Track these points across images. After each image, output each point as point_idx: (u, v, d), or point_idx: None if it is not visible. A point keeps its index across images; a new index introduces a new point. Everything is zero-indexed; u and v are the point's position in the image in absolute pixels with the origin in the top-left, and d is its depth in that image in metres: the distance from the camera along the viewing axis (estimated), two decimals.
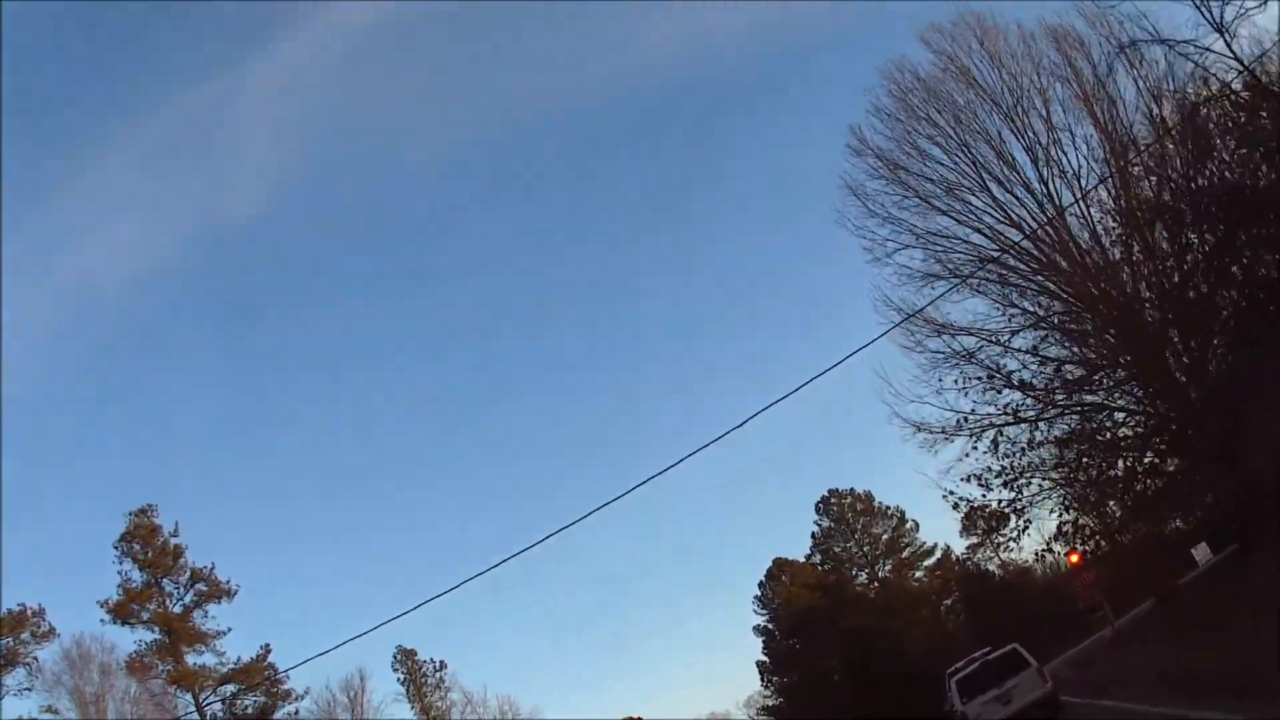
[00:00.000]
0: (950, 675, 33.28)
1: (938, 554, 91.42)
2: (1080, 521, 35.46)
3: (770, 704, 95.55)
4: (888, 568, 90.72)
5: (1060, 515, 35.93)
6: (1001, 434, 34.61)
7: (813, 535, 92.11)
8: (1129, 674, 27.91)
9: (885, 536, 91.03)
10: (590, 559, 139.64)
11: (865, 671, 77.66)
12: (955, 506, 35.67)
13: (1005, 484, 34.82)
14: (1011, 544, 37.39)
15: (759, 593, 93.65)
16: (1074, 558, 38.84)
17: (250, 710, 63.46)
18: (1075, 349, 34.83)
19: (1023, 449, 34.45)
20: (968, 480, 35.37)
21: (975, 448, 35.18)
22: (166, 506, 72.90)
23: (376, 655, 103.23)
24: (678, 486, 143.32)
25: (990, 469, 34.91)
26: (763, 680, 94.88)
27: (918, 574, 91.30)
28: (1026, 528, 35.64)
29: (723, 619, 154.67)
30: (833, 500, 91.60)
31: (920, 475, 37.62)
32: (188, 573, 63.58)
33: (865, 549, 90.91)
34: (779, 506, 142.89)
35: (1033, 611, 75.06)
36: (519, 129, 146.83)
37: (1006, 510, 35.07)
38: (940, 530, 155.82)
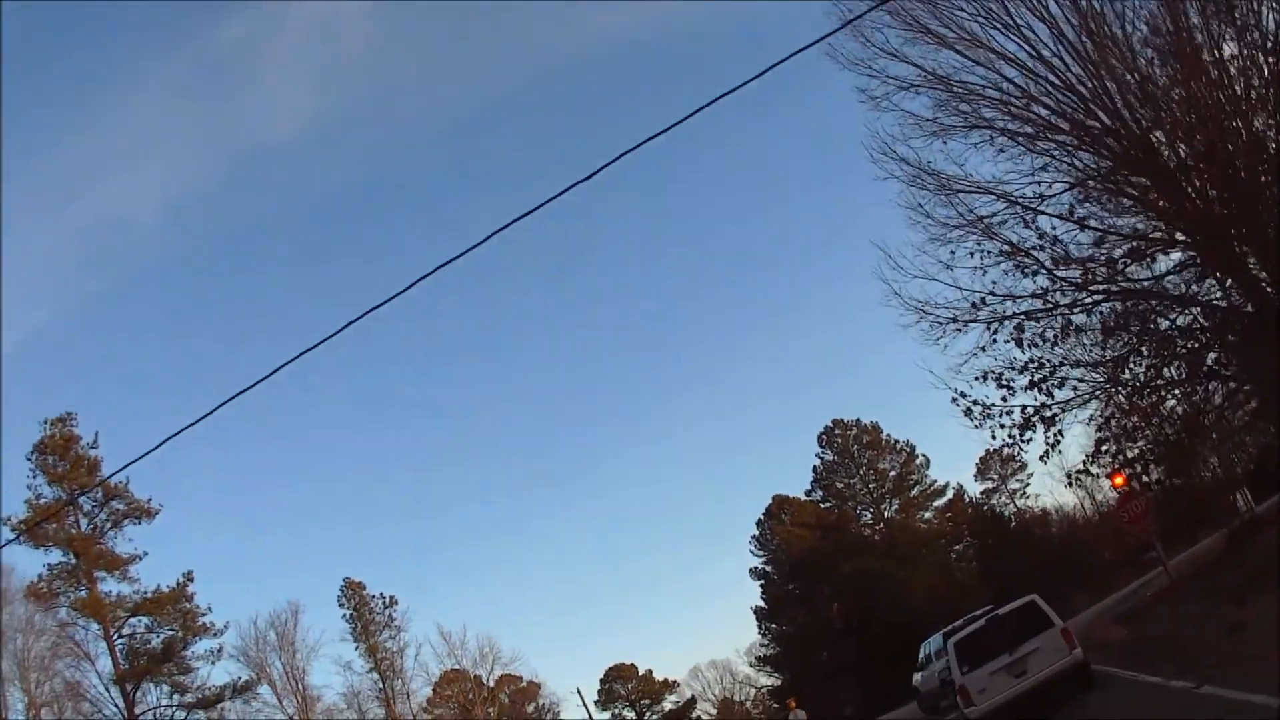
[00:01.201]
0: (947, 637, 28.51)
1: (949, 494, 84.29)
2: (1125, 424, 27.26)
3: (768, 654, 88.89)
4: (894, 507, 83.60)
5: (1100, 427, 27.71)
6: (1029, 320, 26.44)
7: (814, 470, 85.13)
8: (1185, 637, 20.53)
9: (893, 473, 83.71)
10: (587, 504, 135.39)
11: (868, 623, 71.54)
12: (968, 413, 27.36)
13: (1032, 384, 26.63)
14: (1043, 461, 28.85)
15: (757, 532, 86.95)
16: (1118, 480, 30.54)
17: (157, 646, 55.84)
18: (1124, 218, 26.59)
19: (1054, 340, 26.28)
20: (984, 380, 27.09)
21: (994, 339, 26.95)
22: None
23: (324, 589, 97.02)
24: (679, 426, 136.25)
25: (1014, 364, 26.71)
26: (760, 628, 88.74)
27: (927, 515, 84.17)
28: (1058, 441, 27.28)
29: (726, 565, 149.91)
30: (837, 432, 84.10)
31: (925, 372, 29.23)
32: (100, 490, 55.55)
33: (871, 486, 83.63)
34: (782, 443, 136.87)
35: (1055, 560, 68.99)
36: None
37: (1033, 419, 26.83)
38: (952, 469, 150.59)
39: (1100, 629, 30.38)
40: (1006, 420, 27.24)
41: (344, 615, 76.65)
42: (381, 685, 73.22)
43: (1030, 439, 27.34)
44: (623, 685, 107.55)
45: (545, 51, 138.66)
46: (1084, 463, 28.67)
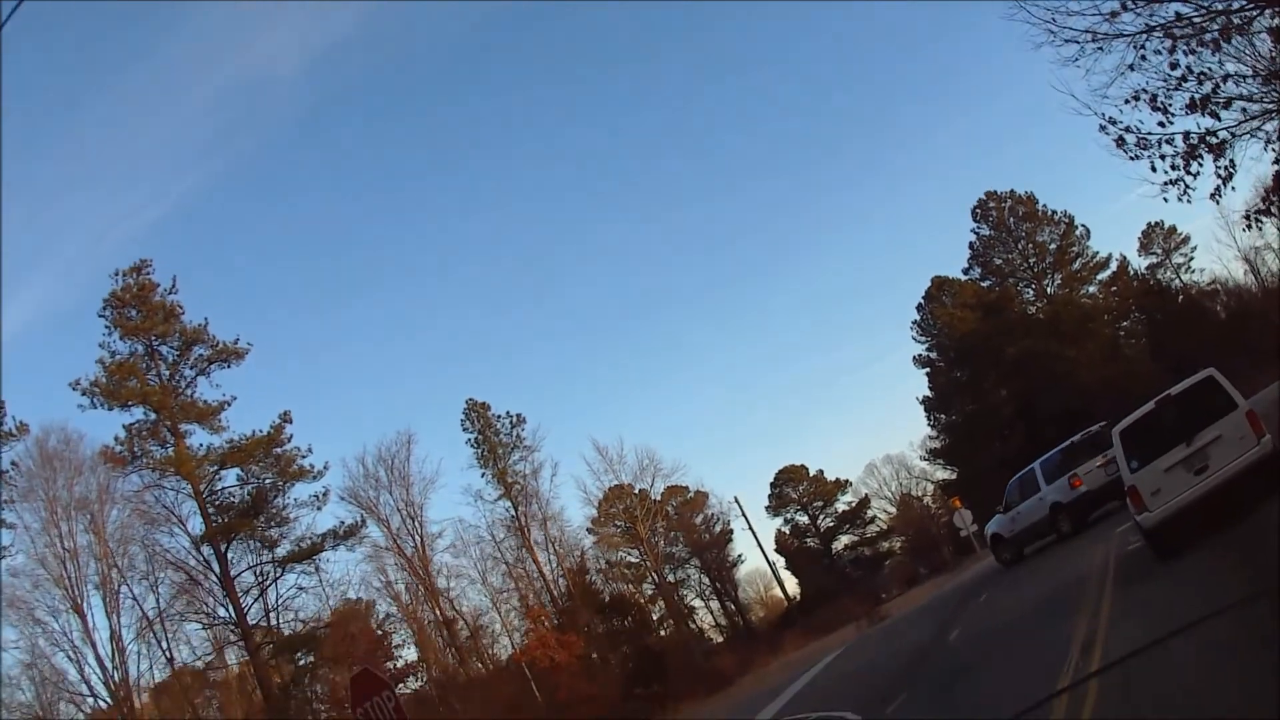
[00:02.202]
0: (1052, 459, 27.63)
1: (1113, 267, 78.31)
2: None
3: (938, 446, 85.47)
4: (1056, 283, 78.08)
5: None
6: (1180, 25, 21.56)
7: (970, 246, 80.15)
8: None
9: (1052, 246, 77.99)
10: (749, 314, 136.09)
11: (1036, 408, 68.47)
12: (1120, 142, 22.67)
13: (1193, 104, 21.86)
14: (1215, 200, 23.95)
15: (917, 317, 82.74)
16: None
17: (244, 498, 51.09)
18: None
19: (1213, 45, 21.36)
20: (1135, 101, 22.32)
21: (1143, 55, 22.13)
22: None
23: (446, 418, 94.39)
24: (840, 220, 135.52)
25: (1169, 80, 21.91)
26: (929, 419, 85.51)
27: (1090, 290, 78.60)
28: (1231, 175, 22.52)
29: (895, 357, 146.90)
30: (991, 204, 78.57)
31: (1064, 96, 24.36)
32: (178, 336, 50.64)
33: (1030, 261, 78.32)
34: (940, 224, 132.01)
35: (1229, 334, 64.56)
36: None
37: (1198, 146, 22.11)
38: (1114, 241, 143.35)
39: None
40: (1167, 149, 22.59)
41: (468, 440, 73.07)
42: (514, 511, 70.46)
43: (1199, 171, 22.69)
44: (794, 488, 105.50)
45: None
46: (1264, 199, 23.88)
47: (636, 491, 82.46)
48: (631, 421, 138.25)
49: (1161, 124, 22.48)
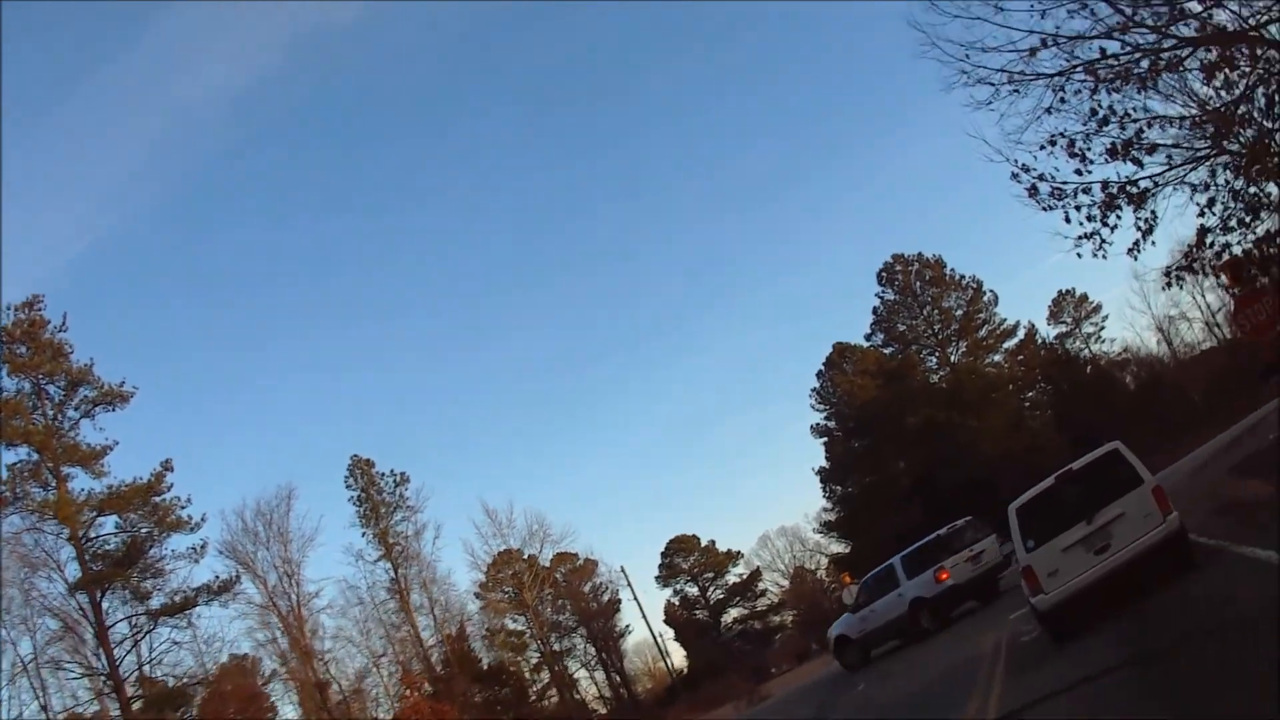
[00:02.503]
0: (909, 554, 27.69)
1: (1020, 335, 77.06)
2: (1240, 194, 20.21)
3: (832, 518, 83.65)
4: (961, 350, 76.36)
5: (1203, 209, 20.72)
6: (1105, 62, 19.56)
7: (874, 311, 78.08)
8: None
9: (959, 312, 76.39)
10: (645, 381, 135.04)
11: (935, 481, 66.55)
12: (1033, 191, 20.49)
13: (1114, 150, 19.76)
14: (1133, 257, 21.71)
15: (817, 384, 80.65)
16: (1230, 278, 23.22)
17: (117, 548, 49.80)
18: None
19: (1140, 84, 19.38)
20: (1051, 147, 20.18)
21: (1062, 98, 20.07)
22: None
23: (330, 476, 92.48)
24: (740, 287, 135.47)
25: (1090, 124, 19.83)
26: (824, 490, 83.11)
27: (996, 358, 77.23)
28: (1151, 228, 20.41)
29: (794, 427, 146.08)
30: (897, 268, 77.00)
31: (975, 140, 22.11)
32: (64, 376, 49.62)
33: (935, 327, 76.55)
34: (845, 291, 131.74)
35: (1138, 406, 63.46)
36: None
37: (1117, 196, 19.99)
38: (1026, 307, 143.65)
39: (1223, 485, 23.67)
40: (1084, 199, 20.47)
41: (350, 498, 71.05)
42: (394, 573, 68.29)
43: (1116, 224, 20.58)
44: (684, 559, 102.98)
45: None
46: (1187, 255, 21.75)
47: (525, 557, 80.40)
48: (522, 485, 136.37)
49: (1079, 171, 20.37)
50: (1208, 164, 20.33)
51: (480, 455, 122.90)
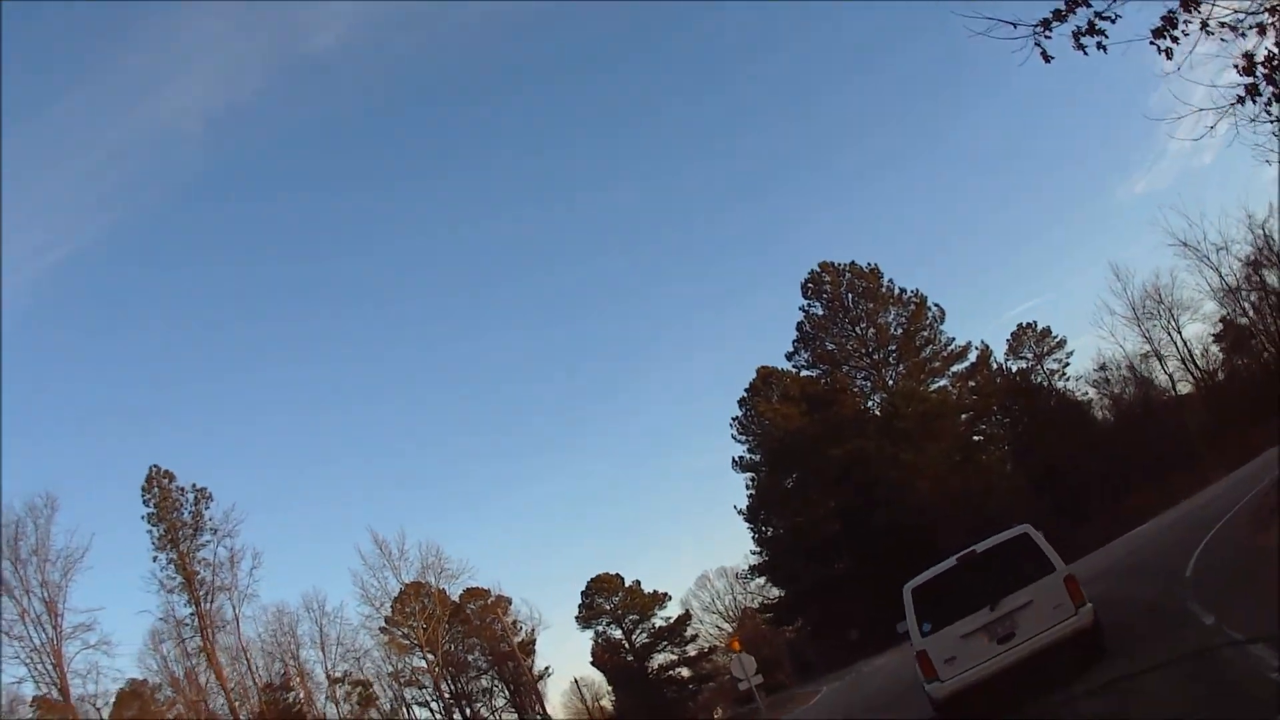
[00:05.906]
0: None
1: (972, 358, 66.82)
2: None
3: (759, 562, 75.11)
4: (900, 372, 65.93)
5: None
6: None
7: (799, 328, 67.83)
8: None
9: (898, 330, 66.16)
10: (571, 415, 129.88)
11: (867, 522, 58.92)
12: None
13: None
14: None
15: (739, 413, 71.03)
16: None
17: None
18: None
19: None
20: None
21: None
22: None
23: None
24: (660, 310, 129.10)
25: None
26: (751, 530, 74.50)
27: (941, 383, 67.33)
28: None
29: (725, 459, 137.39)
30: (826, 278, 66.95)
31: None
32: None
33: (870, 346, 66.32)
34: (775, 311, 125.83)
35: (1110, 449, 57.20)
36: None
37: None
38: (975, 328, 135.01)
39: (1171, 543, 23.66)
40: None
41: (144, 515, 62.09)
42: (194, 607, 59.23)
43: None
44: (606, 599, 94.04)
45: None
46: None
47: (434, 592, 74.40)
48: (418, 517, 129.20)
49: None
50: None
51: (371, 487, 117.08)
